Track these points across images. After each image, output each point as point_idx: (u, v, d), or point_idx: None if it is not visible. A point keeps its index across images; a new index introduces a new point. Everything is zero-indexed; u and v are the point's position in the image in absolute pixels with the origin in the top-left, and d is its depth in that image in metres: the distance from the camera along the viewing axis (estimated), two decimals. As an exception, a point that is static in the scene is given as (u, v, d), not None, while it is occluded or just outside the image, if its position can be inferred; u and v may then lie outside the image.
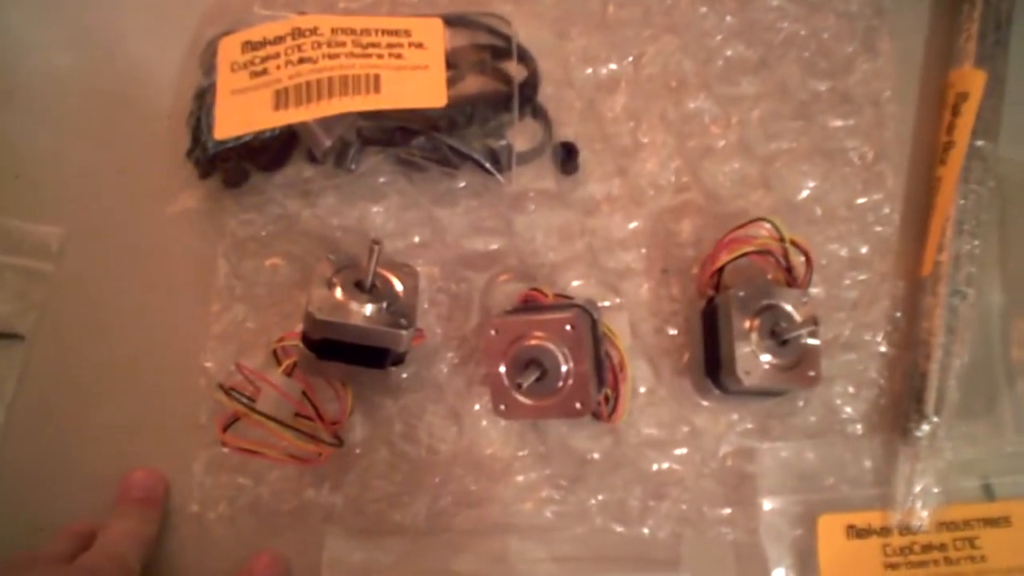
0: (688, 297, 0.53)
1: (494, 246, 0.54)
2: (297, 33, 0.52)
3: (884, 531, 0.50)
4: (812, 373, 0.48)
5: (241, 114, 0.51)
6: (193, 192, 0.54)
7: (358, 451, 0.52)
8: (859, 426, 0.52)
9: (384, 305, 0.46)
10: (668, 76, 0.57)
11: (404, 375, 0.52)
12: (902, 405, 0.51)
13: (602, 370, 0.46)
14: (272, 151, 0.54)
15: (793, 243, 0.49)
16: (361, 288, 0.47)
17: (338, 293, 0.46)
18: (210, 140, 0.51)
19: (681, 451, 0.51)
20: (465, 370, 0.53)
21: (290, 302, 0.53)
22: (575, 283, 0.54)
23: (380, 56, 0.52)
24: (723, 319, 0.48)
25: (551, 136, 0.55)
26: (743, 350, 0.47)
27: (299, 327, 0.47)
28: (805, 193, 0.55)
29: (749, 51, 0.57)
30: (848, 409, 0.52)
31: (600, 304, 0.51)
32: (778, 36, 0.57)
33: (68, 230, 0.55)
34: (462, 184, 0.54)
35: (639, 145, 0.55)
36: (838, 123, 0.56)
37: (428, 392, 0.52)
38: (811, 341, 0.48)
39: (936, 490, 0.49)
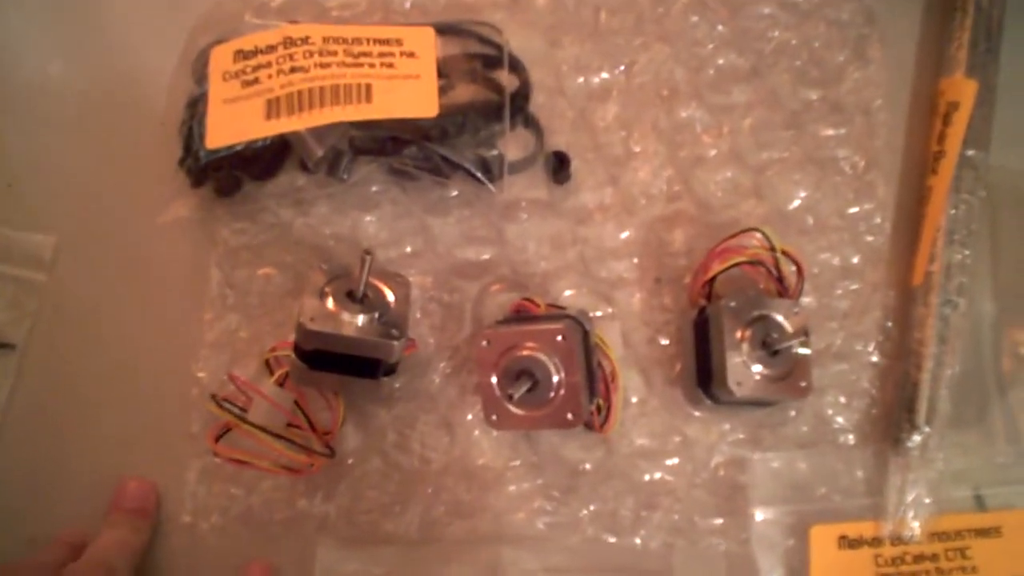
0: (680, 307, 0.53)
1: (486, 255, 0.54)
2: (289, 42, 0.51)
3: (876, 541, 0.50)
4: (804, 383, 0.48)
5: (233, 123, 0.51)
6: (185, 201, 0.54)
7: (350, 461, 0.51)
8: (851, 436, 0.52)
9: (376, 315, 0.46)
10: (660, 85, 0.57)
11: (396, 385, 0.52)
12: (893, 415, 0.51)
13: (594, 380, 0.47)
14: (264, 160, 0.54)
15: (784, 253, 0.49)
16: (353, 298, 0.47)
17: (330, 303, 0.46)
18: (202, 149, 0.51)
19: (673, 461, 0.51)
20: (457, 380, 0.53)
21: (283, 311, 0.53)
22: (567, 292, 0.54)
23: (372, 65, 0.52)
24: (715, 330, 0.49)
25: (543, 145, 0.55)
26: (734, 360, 0.47)
27: (292, 336, 0.47)
28: (796, 202, 0.55)
29: (740, 60, 0.57)
30: (840, 419, 0.52)
31: (592, 314, 0.51)
32: (769, 45, 0.57)
33: (60, 239, 0.55)
34: (454, 193, 0.55)
35: (631, 154, 0.56)
36: (829, 132, 0.56)
37: (420, 402, 0.52)
38: (802, 351, 0.48)
39: (928, 500, 0.50)
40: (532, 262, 0.54)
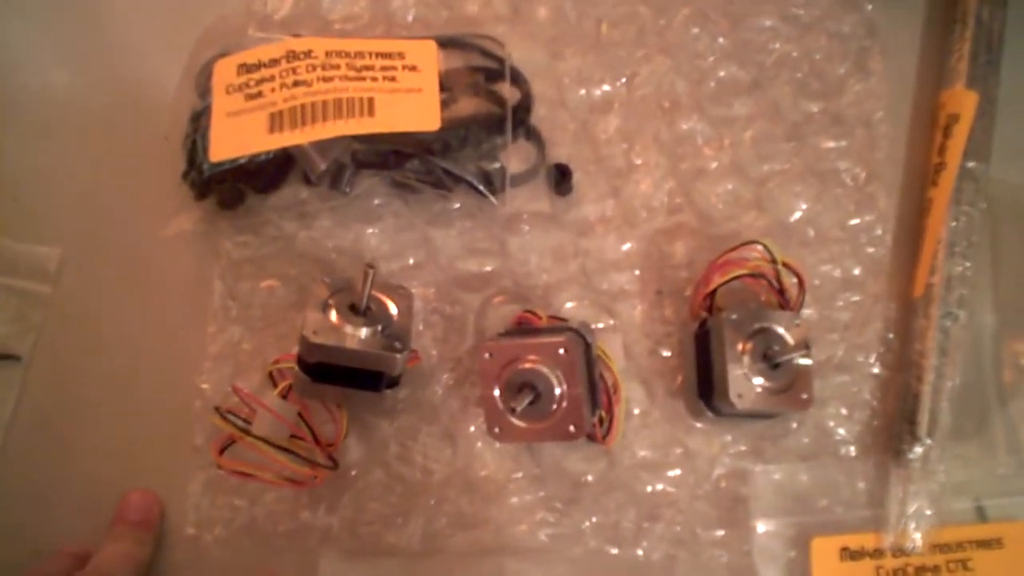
0: (681, 319, 0.53)
1: (488, 268, 0.54)
2: (292, 56, 0.52)
3: (877, 553, 0.50)
4: (805, 396, 0.48)
5: (236, 137, 0.51)
6: (189, 214, 0.54)
7: (353, 473, 0.52)
8: (852, 448, 0.52)
9: (379, 328, 0.47)
10: (661, 97, 0.57)
11: (399, 397, 0.52)
12: (895, 427, 0.51)
13: (596, 392, 0.47)
14: (267, 173, 0.54)
15: (786, 265, 0.49)
16: (356, 311, 0.47)
17: (333, 316, 0.46)
18: (206, 162, 0.51)
19: (675, 473, 0.52)
20: (460, 392, 0.53)
21: (286, 323, 0.54)
22: (569, 304, 0.54)
23: (374, 79, 0.52)
24: (716, 342, 0.49)
25: (544, 158, 0.55)
26: (736, 373, 0.48)
27: (295, 349, 0.47)
28: (798, 214, 0.55)
29: (741, 72, 0.57)
30: (841, 431, 0.52)
31: (594, 326, 0.52)
32: (770, 57, 0.57)
33: (65, 251, 0.55)
34: (456, 206, 0.55)
35: (632, 166, 0.56)
36: (830, 144, 0.56)
37: (423, 414, 0.52)
38: (804, 363, 0.48)
39: (929, 512, 0.50)
40: (534, 274, 0.54)
